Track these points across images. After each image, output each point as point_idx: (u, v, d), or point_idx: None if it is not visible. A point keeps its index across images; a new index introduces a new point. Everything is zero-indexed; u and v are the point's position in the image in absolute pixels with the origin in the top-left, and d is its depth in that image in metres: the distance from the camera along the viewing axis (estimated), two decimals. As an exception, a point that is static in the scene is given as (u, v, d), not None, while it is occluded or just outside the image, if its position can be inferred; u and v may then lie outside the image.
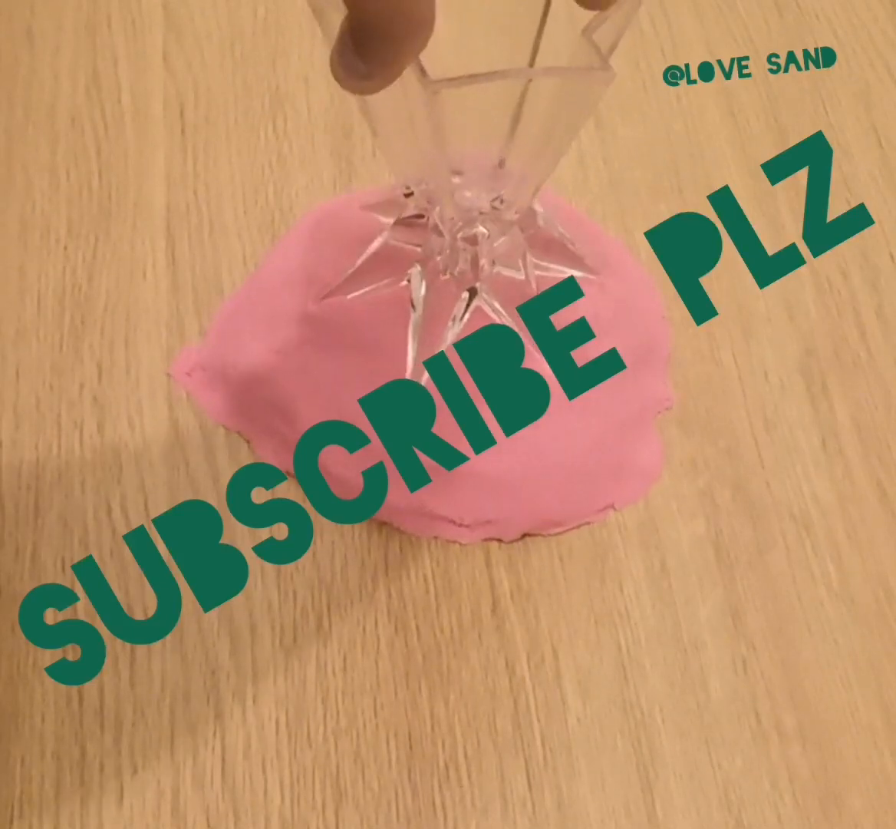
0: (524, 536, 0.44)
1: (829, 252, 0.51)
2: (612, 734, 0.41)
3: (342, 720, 0.41)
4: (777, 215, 0.52)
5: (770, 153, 0.54)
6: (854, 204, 0.52)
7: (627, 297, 0.48)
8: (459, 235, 0.42)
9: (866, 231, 0.52)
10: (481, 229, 0.42)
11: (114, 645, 0.42)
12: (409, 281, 0.45)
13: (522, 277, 0.45)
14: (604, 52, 0.31)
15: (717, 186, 0.53)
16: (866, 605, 0.44)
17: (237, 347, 0.47)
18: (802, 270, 0.51)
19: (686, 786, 0.40)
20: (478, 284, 0.44)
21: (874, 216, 0.52)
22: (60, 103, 0.54)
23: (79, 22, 0.56)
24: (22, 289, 0.49)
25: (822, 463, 0.46)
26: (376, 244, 0.45)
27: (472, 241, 0.43)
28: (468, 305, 0.44)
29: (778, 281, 0.50)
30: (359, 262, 0.45)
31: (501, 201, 0.41)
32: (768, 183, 0.53)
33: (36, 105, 0.54)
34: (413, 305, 0.44)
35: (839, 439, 0.47)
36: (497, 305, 0.45)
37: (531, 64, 0.36)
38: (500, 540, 0.44)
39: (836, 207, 0.53)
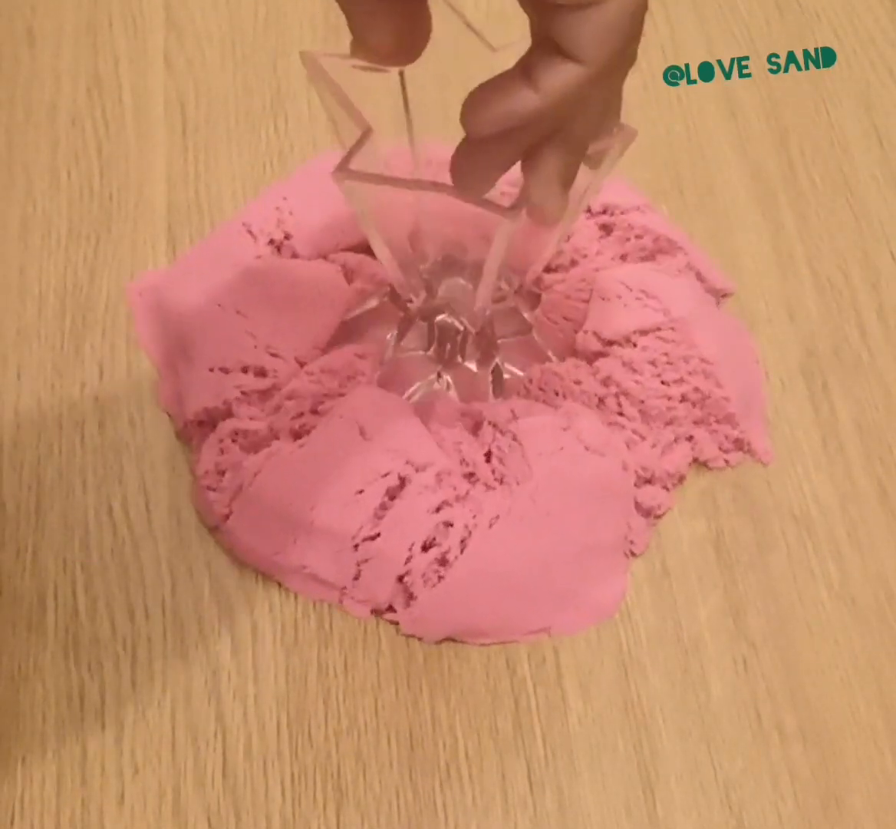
0: (446, 640, 0.42)
1: (829, 252, 0.51)
2: (612, 733, 0.41)
3: (343, 721, 0.41)
4: (777, 214, 0.52)
5: (770, 153, 0.54)
6: (855, 204, 0.53)
7: (725, 335, 0.47)
8: (437, 321, 0.43)
9: (866, 231, 0.52)
10: (457, 322, 0.43)
11: (115, 645, 0.42)
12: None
13: (484, 378, 0.45)
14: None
15: (718, 185, 0.53)
16: (867, 605, 0.44)
17: (180, 280, 0.48)
18: (802, 269, 0.51)
19: (687, 786, 0.40)
20: (441, 371, 0.45)
21: (874, 216, 0.52)
22: (61, 103, 0.54)
23: (79, 22, 0.56)
24: (23, 289, 0.49)
25: (823, 463, 0.46)
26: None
27: (449, 329, 0.44)
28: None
29: (778, 282, 0.50)
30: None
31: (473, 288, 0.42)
32: (768, 183, 0.53)
33: (37, 105, 0.54)
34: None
35: (840, 439, 0.47)
36: (453, 394, 0.45)
37: None
38: (420, 639, 0.42)
39: (837, 208, 0.53)
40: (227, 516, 0.43)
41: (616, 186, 0.50)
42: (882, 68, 0.57)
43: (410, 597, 0.42)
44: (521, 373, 0.46)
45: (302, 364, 0.45)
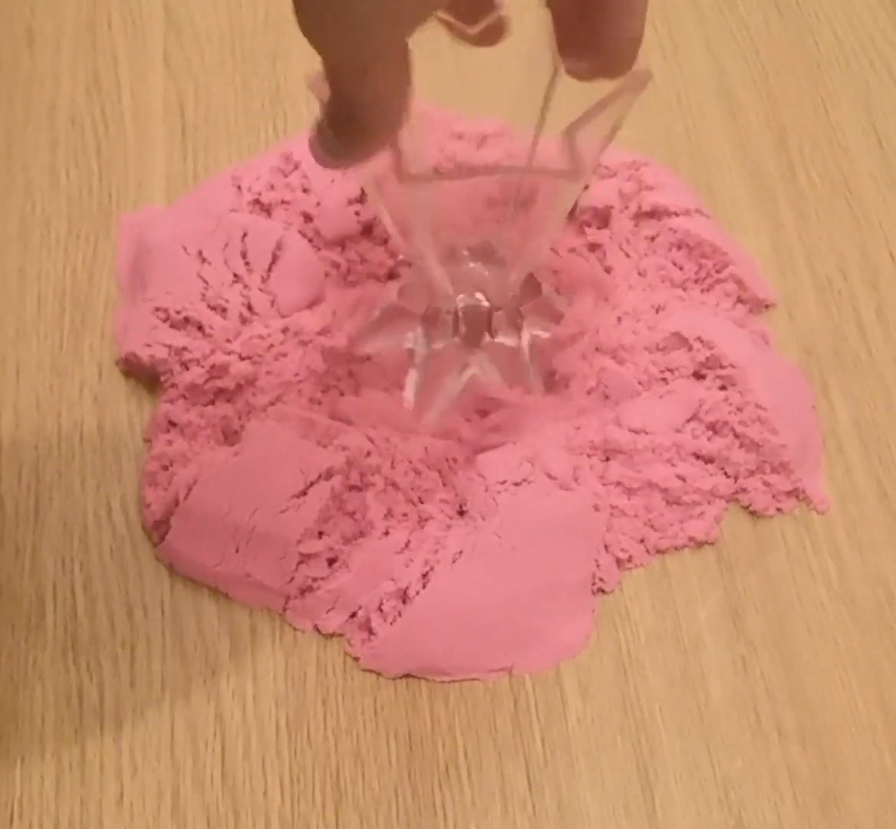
0: (407, 676, 0.41)
1: (829, 252, 0.51)
2: (612, 733, 0.41)
3: (342, 720, 0.41)
4: (777, 215, 0.52)
5: (770, 153, 0.54)
6: (853, 204, 0.53)
7: (781, 381, 0.46)
8: (461, 306, 0.43)
9: (866, 231, 0.52)
10: (483, 301, 0.43)
11: (114, 645, 0.42)
12: (412, 343, 0.45)
13: (513, 344, 0.45)
14: (581, 153, 0.33)
15: (717, 186, 0.53)
16: (866, 605, 0.43)
17: (163, 219, 0.49)
18: (802, 269, 0.51)
19: (686, 786, 0.40)
20: (477, 352, 0.45)
21: (873, 216, 0.52)
22: (60, 103, 0.54)
23: (79, 22, 0.56)
24: (22, 289, 0.49)
25: (823, 463, 0.46)
26: (385, 304, 0.46)
27: (474, 310, 0.43)
28: (463, 373, 0.45)
29: (778, 281, 0.50)
30: (370, 321, 0.46)
31: (498, 276, 0.42)
32: (768, 183, 0.53)
33: (36, 105, 0.54)
34: (414, 363, 0.45)
35: (839, 438, 0.47)
36: (493, 373, 0.45)
37: (539, 127, 0.38)
38: (380, 674, 0.41)
39: (837, 208, 0.53)
40: (164, 533, 0.43)
41: (670, 188, 0.49)
42: (882, 68, 0.57)
43: (370, 632, 0.41)
44: (545, 334, 0.46)
45: (244, 321, 0.46)
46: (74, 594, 0.43)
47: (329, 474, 0.42)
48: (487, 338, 0.45)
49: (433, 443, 0.44)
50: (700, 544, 0.44)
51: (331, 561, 0.42)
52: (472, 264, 0.43)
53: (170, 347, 0.45)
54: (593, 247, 0.49)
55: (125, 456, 0.45)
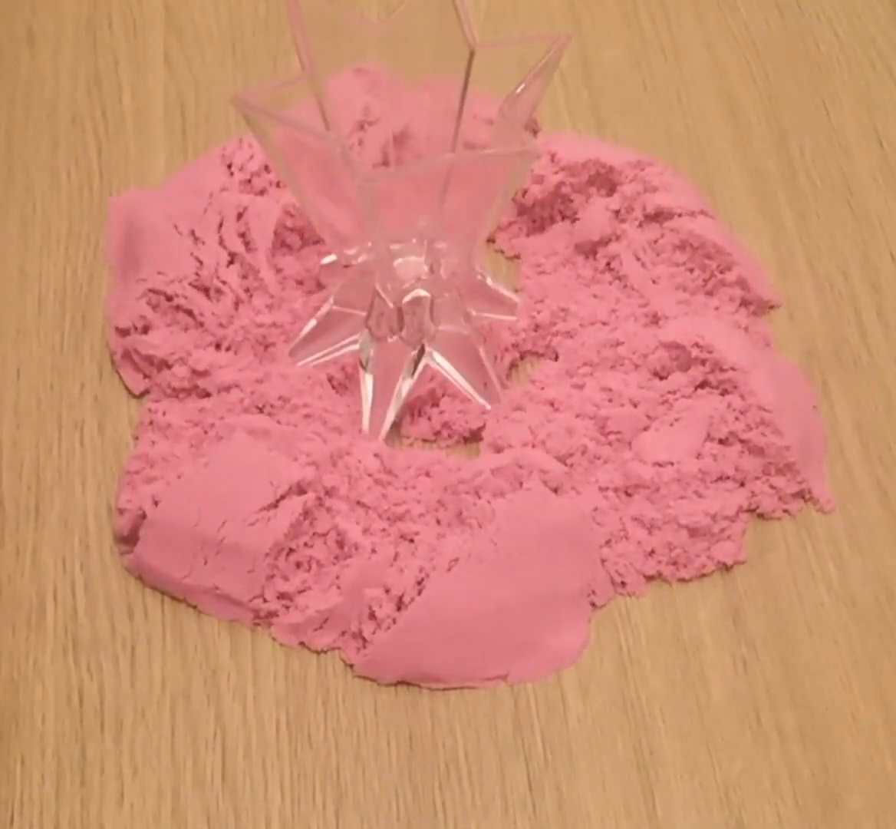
0: (401, 682, 0.41)
1: (829, 252, 0.51)
2: (612, 734, 0.41)
3: (342, 720, 0.41)
4: (777, 215, 0.52)
5: (770, 153, 0.54)
6: (854, 204, 0.53)
7: (783, 383, 0.46)
8: (404, 300, 0.43)
9: (866, 231, 0.52)
10: (422, 293, 0.43)
11: (115, 645, 0.42)
12: (358, 344, 0.46)
13: (465, 332, 0.45)
14: (524, 129, 0.33)
15: (717, 186, 0.53)
16: (867, 605, 0.43)
17: (153, 199, 0.49)
18: (803, 270, 0.51)
19: (686, 786, 0.40)
20: (425, 343, 0.45)
21: (874, 216, 0.52)
22: (61, 103, 0.54)
23: (79, 22, 0.56)
24: (22, 289, 0.49)
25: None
26: (323, 311, 0.46)
27: (415, 304, 0.43)
28: (417, 364, 0.45)
29: (778, 282, 0.50)
30: (305, 330, 0.46)
31: (439, 265, 0.42)
32: (768, 183, 0.53)
33: (36, 105, 0.54)
34: (363, 365, 0.45)
35: (840, 439, 0.47)
36: (444, 361, 0.45)
37: (457, 125, 0.40)
38: (375, 681, 0.41)
39: (837, 208, 0.53)
40: (133, 543, 0.42)
41: (675, 189, 0.49)
42: (882, 68, 0.57)
43: (363, 640, 0.41)
44: (494, 317, 0.46)
45: (239, 304, 0.46)
46: (75, 595, 0.43)
47: (301, 489, 0.42)
48: (433, 328, 0.45)
49: (383, 449, 0.44)
50: (729, 568, 0.44)
51: (301, 590, 0.42)
52: (401, 260, 0.43)
53: (152, 356, 0.45)
54: (611, 259, 0.49)
55: (125, 456, 0.45)
